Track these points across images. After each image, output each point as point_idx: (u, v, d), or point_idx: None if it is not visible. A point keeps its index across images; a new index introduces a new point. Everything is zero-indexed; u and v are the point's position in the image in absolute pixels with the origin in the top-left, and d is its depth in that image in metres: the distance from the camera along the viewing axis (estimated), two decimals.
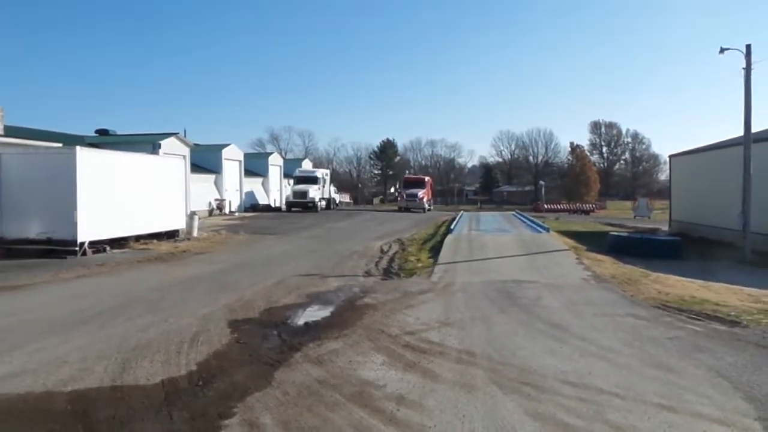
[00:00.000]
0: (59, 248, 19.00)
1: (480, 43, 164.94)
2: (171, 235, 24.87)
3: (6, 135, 23.15)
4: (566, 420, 5.74)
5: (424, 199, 59.21)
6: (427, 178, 67.07)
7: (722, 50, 23.98)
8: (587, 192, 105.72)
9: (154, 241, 23.23)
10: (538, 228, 29.82)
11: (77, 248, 19.12)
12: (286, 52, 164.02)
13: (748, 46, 23.46)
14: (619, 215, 66.10)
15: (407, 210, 56.32)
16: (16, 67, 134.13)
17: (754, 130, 23.94)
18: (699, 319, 10.50)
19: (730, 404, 6.20)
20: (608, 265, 18.05)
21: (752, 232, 23.48)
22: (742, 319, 10.45)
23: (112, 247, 20.80)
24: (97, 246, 20.14)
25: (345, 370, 7.39)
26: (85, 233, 19.42)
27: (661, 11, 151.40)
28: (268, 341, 8.92)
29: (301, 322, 10.29)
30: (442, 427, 5.58)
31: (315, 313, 10.97)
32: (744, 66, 23.54)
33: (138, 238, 22.61)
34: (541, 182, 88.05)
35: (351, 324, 9.92)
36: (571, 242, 25.06)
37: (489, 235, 26.05)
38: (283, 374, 7.21)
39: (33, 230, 19.40)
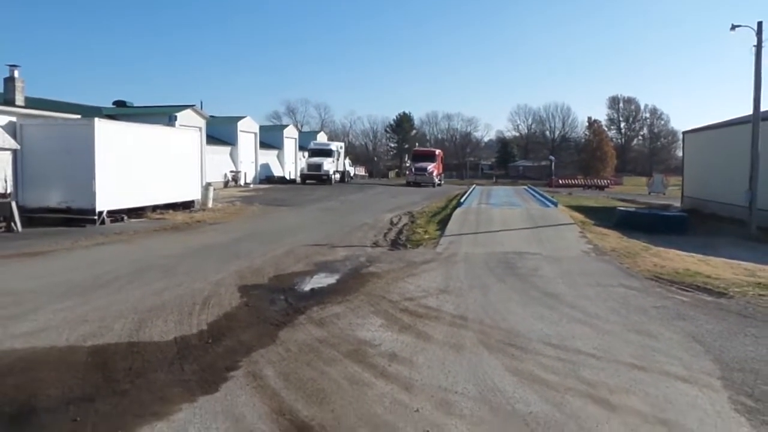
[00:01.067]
0: (78, 217, 19.65)
1: (498, 16, 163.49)
2: (186, 205, 25.48)
3: (26, 106, 23.72)
4: (543, 376, 6.26)
5: (434, 173, 55.92)
6: (437, 151, 63.13)
7: (733, 27, 23.97)
8: (604, 168, 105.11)
9: (170, 211, 23.86)
10: (547, 202, 30.20)
11: (96, 217, 19.76)
12: (303, 25, 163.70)
13: (759, 23, 23.45)
14: (634, 191, 65.86)
15: (416, 184, 53.21)
16: (34, 38, 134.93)
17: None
18: (688, 290, 10.95)
19: (698, 365, 6.68)
20: (611, 239, 18.42)
21: (760, 209, 23.69)
22: (730, 290, 10.87)
23: (129, 217, 21.46)
24: (115, 215, 20.80)
25: (344, 330, 7.94)
26: (104, 203, 20.06)
27: None
28: (274, 305, 9.48)
29: (307, 288, 10.86)
30: (427, 381, 6.11)
31: (321, 280, 11.53)
32: (755, 43, 23.59)
33: (154, 208, 23.25)
34: (551, 157, 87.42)
35: (354, 290, 10.46)
36: (580, 217, 25.37)
37: (497, 209, 26.44)
38: (287, 334, 7.77)
39: (53, 199, 20.04)
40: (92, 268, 12.45)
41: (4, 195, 18.25)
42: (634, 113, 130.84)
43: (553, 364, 6.65)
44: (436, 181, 56.08)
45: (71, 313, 8.62)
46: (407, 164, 66.04)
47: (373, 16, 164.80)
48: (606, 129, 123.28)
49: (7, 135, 18.57)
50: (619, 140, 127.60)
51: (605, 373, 6.38)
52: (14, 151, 19.12)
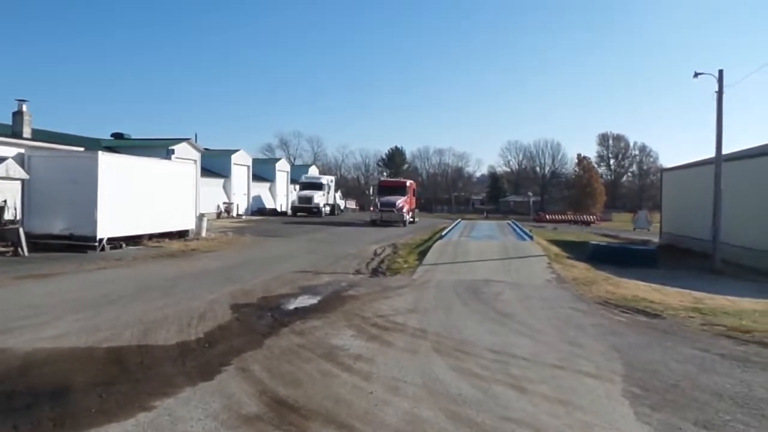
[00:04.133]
0: (80, 243, 21.07)
1: (488, 53, 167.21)
2: (181, 234, 26.95)
3: (33, 138, 25.21)
4: (478, 372, 7.68)
5: (405, 209, 46.03)
6: (408, 182, 51.34)
7: (696, 75, 25.78)
8: (593, 204, 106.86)
9: (166, 239, 25.32)
10: (524, 236, 31.76)
11: (96, 244, 21.19)
12: (297, 59, 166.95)
13: (721, 72, 25.26)
14: (621, 227, 67.24)
15: (384, 223, 44.16)
16: (33, 70, 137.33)
17: (745, 146, 25.62)
18: (628, 313, 12.40)
19: (608, 366, 8.11)
20: (577, 270, 19.84)
21: (726, 244, 25.20)
22: (665, 313, 12.32)
23: (127, 244, 22.87)
24: (114, 242, 22.21)
25: (321, 339, 9.36)
26: (104, 230, 21.49)
27: (668, 28, 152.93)
28: (262, 319, 10.87)
29: (291, 307, 12.24)
30: (383, 374, 7.53)
31: (304, 301, 12.92)
32: (716, 90, 25.35)
33: (151, 237, 24.70)
34: (529, 194, 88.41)
35: (333, 309, 11.88)
36: (556, 250, 26.82)
37: (476, 242, 27.91)
38: (272, 341, 9.17)
39: (57, 226, 21.45)
40: (99, 287, 13.83)
41: (13, 221, 19.66)
42: (623, 150, 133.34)
43: (489, 364, 8.07)
44: (407, 218, 46.84)
45: (86, 323, 9.99)
46: (371, 197, 55.06)
47: (367, 52, 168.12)
48: (596, 165, 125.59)
49: (17, 166, 20.01)
50: (609, 177, 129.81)
51: (529, 370, 7.80)
52: (23, 181, 20.53)
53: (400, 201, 45.91)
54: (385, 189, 49.71)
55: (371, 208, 50.48)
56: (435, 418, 6.01)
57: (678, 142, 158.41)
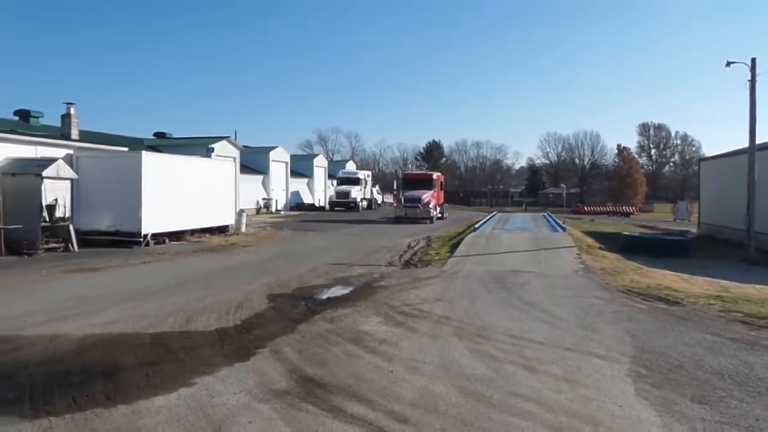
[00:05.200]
0: (126, 239, 22.10)
1: (525, 44, 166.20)
2: (221, 230, 27.93)
3: (80, 140, 26.33)
4: (493, 353, 8.21)
5: (431, 204, 41.44)
6: (435, 175, 46.90)
7: (728, 63, 25.70)
8: (634, 195, 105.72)
9: (207, 235, 26.31)
10: (557, 228, 32.01)
11: (141, 239, 22.20)
12: (334, 56, 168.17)
13: (753, 60, 25.17)
14: (661, 218, 66.65)
15: (409, 220, 40.34)
16: (79, 73, 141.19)
17: None
18: (649, 300, 12.73)
19: (618, 349, 8.55)
20: (607, 260, 20.09)
21: (762, 234, 25.10)
22: (685, 300, 12.61)
23: (170, 240, 23.87)
24: (158, 238, 23.23)
25: (349, 325, 9.99)
26: (148, 227, 22.50)
27: (708, 15, 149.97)
28: (296, 308, 11.54)
29: (324, 296, 12.89)
30: (405, 355, 8.11)
31: (337, 291, 13.56)
32: (749, 78, 25.25)
33: (193, 232, 25.71)
34: (563, 185, 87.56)
35: (363, 298, 12.51)
36: (590, 241, 27.01)
37: (507, 234, 28.35)
38: (304, 327, 9.82)
39: (104, 223, 22.52)
40: (143, 280, 14.68)
41: (63, 219, 20.73)
42: (664, 140, 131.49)
43: (505, 347, 8.59)
44: (435, 213, 41.98)
45: (132, 311, 10.78)
46: (394, 192, 51.24)
47: (404, 48, 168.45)
48: (636, 156, 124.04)
49: (67, 166, 21.07)
50: (650, 167, 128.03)
51: (542, 353, 8.30)
52: (72, 181, 21.58)
53: (426, 195, 41.74)
54: (410, 182, 45.71)
55: (395, 204, 46.72)
56: (447, 393, 6.57)
57: (721, 132, 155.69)
